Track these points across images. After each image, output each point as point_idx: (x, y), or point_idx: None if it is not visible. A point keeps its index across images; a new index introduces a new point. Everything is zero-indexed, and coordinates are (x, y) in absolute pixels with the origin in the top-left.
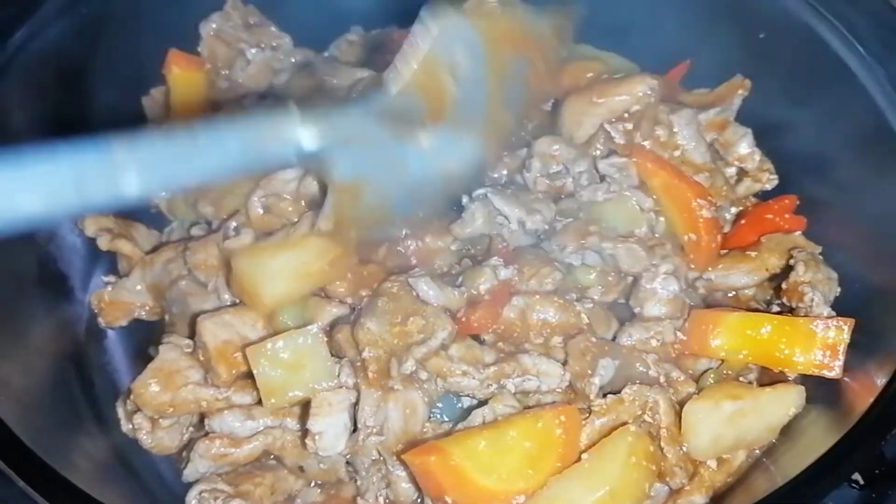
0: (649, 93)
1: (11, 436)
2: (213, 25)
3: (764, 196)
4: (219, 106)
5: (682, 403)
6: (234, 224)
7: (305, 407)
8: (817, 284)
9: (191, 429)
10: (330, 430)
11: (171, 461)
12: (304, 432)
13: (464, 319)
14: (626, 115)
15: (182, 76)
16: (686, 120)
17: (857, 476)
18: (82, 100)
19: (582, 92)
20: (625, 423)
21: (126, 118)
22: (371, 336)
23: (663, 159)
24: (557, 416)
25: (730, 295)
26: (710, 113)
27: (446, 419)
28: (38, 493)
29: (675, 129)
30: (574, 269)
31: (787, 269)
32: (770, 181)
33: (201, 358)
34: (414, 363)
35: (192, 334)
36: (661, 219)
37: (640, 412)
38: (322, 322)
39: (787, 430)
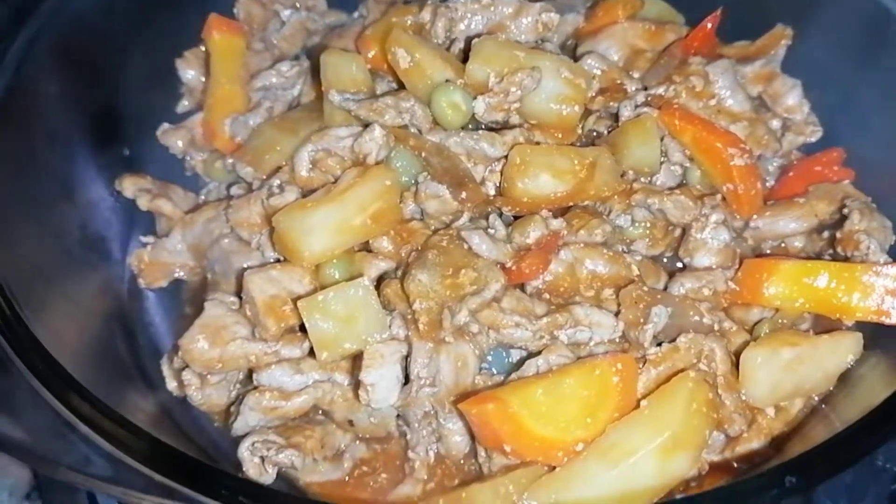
0: None
1: (72, 381)
2: None
3: (807, 151)
4: (257, 70)
5: (736, 353)
6: (277, 181)
7: (354, 361)
8: (872, 232)
9: (238, 385)
10: (382, 382)
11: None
12: (356, 384)
13: (513, 268)
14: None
15: (222, 41)
16: (722, 69)
17: None
18: (117, 63)
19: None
20: (681, 371)
21: (160, 81)
22: (422, 288)
23: (691, 114)
24: (614, 363)
25: (780, 246)
26: (756, 65)
27: (496, 372)
28: (101, 436)
29: (711, 79)
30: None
31: (839, 221)
32: (814, 133)
33: (248, 313)
34: (467, 314)
35: (238, 291)
36: (697, 172)
37: (695, 360)
38: (370, 275)
39: (845, 378)
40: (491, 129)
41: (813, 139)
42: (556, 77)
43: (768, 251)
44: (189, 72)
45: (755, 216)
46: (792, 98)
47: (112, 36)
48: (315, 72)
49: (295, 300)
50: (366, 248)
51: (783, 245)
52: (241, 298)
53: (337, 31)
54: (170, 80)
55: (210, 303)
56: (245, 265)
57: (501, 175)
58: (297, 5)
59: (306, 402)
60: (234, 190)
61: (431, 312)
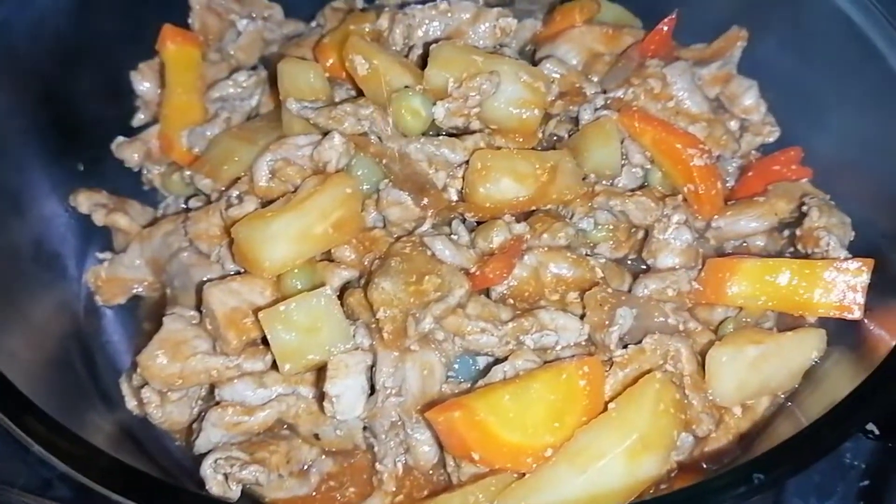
0: None
1: (26, 401)
2: None
3: (765, 151)
4: (213, 81)
5: (701, 353)
6: (236, 192)
7: (319, 374)
8: (832, 229)
9: (199, 402)
10: (348, 393)
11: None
12: (321, 397)
13: (477, 273)
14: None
15: (177, 52)
16: (679, 71)
17: (871, 427)
18: (70, 75)
19: None
20: (648, 372)
21: (115, 94)
22: (386, 296)
23: (650, 116)
24: (580, 367)
25: (742, 245)
26: (713, 67)
27: (463, 380)
28: (56, 456)
29: (669, 81)
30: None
31: (798, 218)
32: (772, 133)
33: (209, 326)
34: (432, 321)
35: (198, 305)
36: (658, 174)
37: (661, 361)
38: (332, 285)
39: (810, 375)
40: (451, 135)
41: (771, 139)
42: (515, 81)
43: (730, 251)
44: (144, 84)
45: (716, 216)
46: (749, 98)
47: (65, 48)
48: (273, 81)
49: (256, 312)
50: (328, 257)
51: (745, 244)
52: (201, 312)
53: (294, 41)
54: (124, 92)
55: (169, 317)
56: (205, 278)
57: (463, 180)
58: (254, 15)
59: (270, 416)
60: (193, 202)
61: (396, 320)
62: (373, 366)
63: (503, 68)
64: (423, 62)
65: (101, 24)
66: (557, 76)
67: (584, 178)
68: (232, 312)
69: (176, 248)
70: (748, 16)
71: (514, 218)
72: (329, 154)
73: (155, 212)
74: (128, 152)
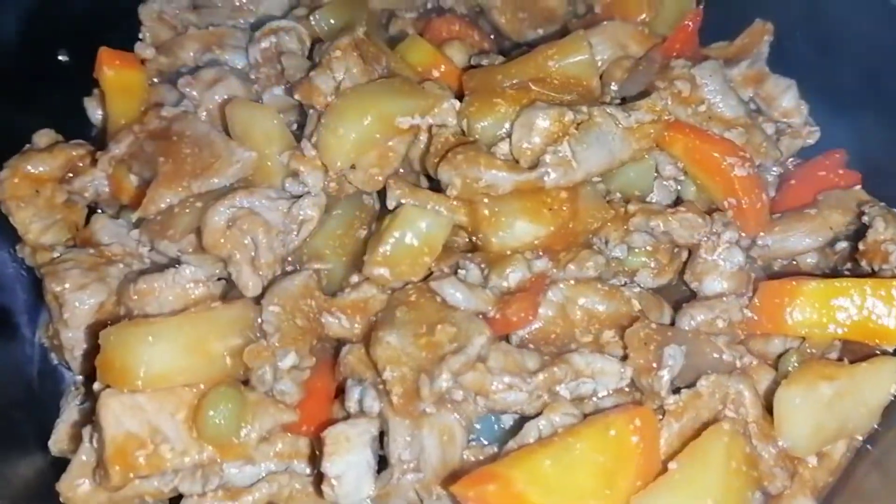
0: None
1: None
2: (155, 7)
3: (803, 155)
4: (160, 105)
5: (762, 393)
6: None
7: (315, 445)
8: None
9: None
10: (350, 472)
11: None
12: (318, 478)
13: (497, 317)
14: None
15: (115, 78)
16: (709, 71)
17: None
18: (23, 104)
19: None
20: (708, 423)
21: (69, 123)
22: (393, 352)
23: (680, 123)
24: (630, 420)
25: (792, 264)
26: (742, 66)
27: (487, 442)
28: None
29: (698, 83)
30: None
31: (856, 231)
32: (812, 135)
33: (93, 444)
34: (449, 377)
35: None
36: (692, 187)
37: (720, 406)
38: (262, 429)
39: (890, 412)
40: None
41: (811, 141)
42: None
43: (777, 271)
44: (99, 111)
45: (762, 233)
46: (788, 100)
47: (19, 73)
48: None
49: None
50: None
51: (794, 263)
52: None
53: None
54: (82, 121)
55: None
56: None
57: (469, 230)
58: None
59: (259, 500)
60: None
61: (406, 381)
62: (381, 434)
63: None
64: None
65: (56, 45)
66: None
67: (608, 200)
68: (125, 439)
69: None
70: (769, 7)
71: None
72: (308, 212)
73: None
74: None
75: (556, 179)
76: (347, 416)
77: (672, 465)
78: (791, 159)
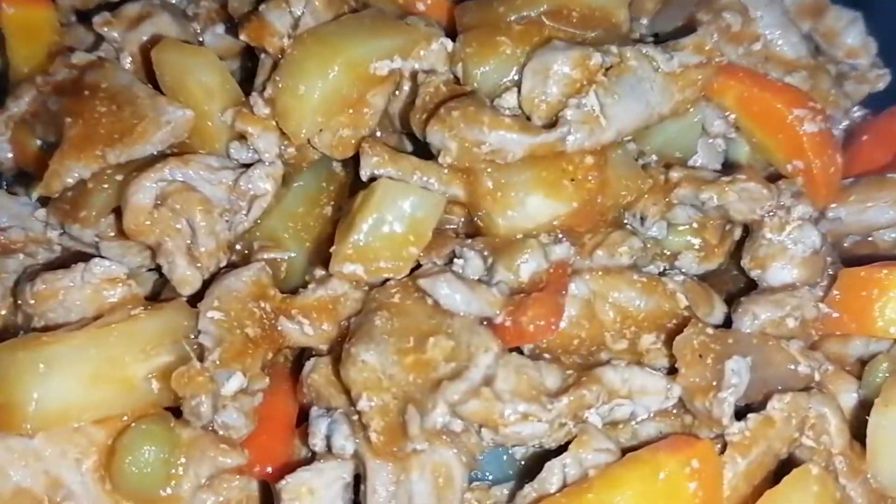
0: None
1: None
2: None
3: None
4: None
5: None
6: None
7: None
8: None
9: None
10: None
11: None
12: None
13: (507, 324)
14: None
15: (18, 16)
16: (765, 0)
17: None
18: None
19: None
20: (779, 457)
21: None
22: (370, 374)
23: (734, 66)
24: (686, 460)
25: (867, 241)
26: None
27: (493, 480)
28: None
29: (751, 15)
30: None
31: None
32: (881, 79)
33: None
34: (446, 411)
35: None
36: (746, 147)
37: (796, 434)
38: (199, 476)
39: None
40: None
41: (880, 86)
42: None
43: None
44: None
45: (834, 203)
46: (852, 36)
47: None
48: None
49: None
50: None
51: (870, 239)
52: None
53: None
54: None
55: None
56: None
57: (468, 207)
58: None
59: None
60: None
61: (388, 412)
62: (356, 477)
63: None
64: None
65: None
66: None
67: (643, 165)
68: (14, 497)
69: None
70: None
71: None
72: (260, 185)
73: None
74: None
75: (580, 141)
76: (312, 455)
77: None
78: (855, 109)
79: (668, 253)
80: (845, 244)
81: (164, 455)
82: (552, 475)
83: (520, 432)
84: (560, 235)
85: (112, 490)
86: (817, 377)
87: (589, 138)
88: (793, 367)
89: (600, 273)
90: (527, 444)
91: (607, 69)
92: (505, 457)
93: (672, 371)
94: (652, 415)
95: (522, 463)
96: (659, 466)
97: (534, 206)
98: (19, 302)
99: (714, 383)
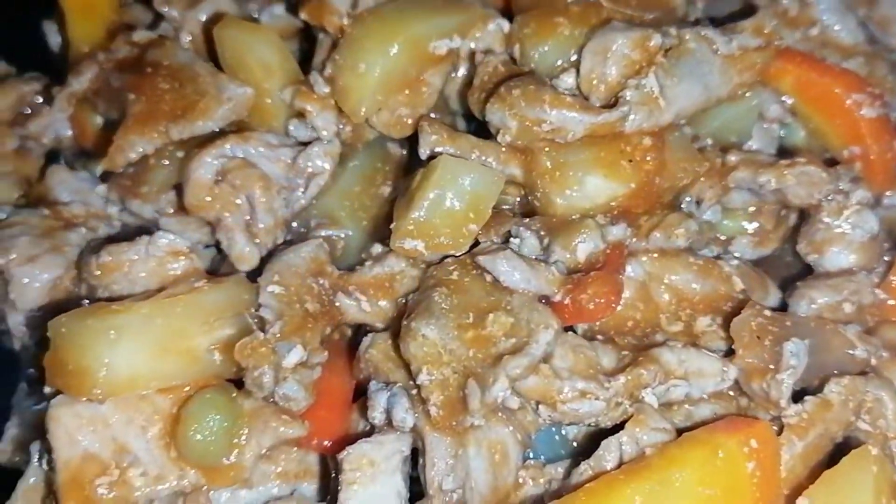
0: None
1: None
2: None
3: None
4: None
5: None
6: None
7: (325, 467)
8: None
9: None
10: None
11: None
12: None
13: (567, 302)
14: None
15: None
16: None
17: None
18: None
19: None
20: (836, 440)
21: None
22: (431, 349)
23: (790, 50)
24: (745, 440)
25: None
26: None
27: (548, 460)
28: None
29: (809, 0)
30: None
31: None
32: None
33: (44, 467)
34: (506, 385)
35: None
36: (802, 132)
37: (853, 418)
38: (260, 445)
39: None
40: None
41: None
42: None
43: None
44: (60, 37)
45: (890, 190)
46: None
47: None
48: None
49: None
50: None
51: None
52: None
53: None
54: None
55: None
56: None
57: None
58: None
59: None
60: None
61: (448, 387)
62: (413, 452)
63: None
64: None
65: None
66: None
67: (699, 148)
68: (83, 462)
69: None
70: None
71: (608, 216)
72: (318, 163)
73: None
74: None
75: (639, 121)
76: (371, 429)
77: (802, 502)
78: None
79: (723, 238)
80: None
81: (227, 424)
82: (609, 453)
83: (577, 409)
84: (617, 217)
85: (177, 457)
86: (874, 362)
87: (648, 119)
88: (850, 351)
89: (656, 255)
90: (583, 421)
91: (666, 51)
92: (557, 437)
93: (728, 354)
94: (707, 396)
95: (575, 444)
96: (718, 446)
97: (592, 186)
98: (84, 274)
99: (772, 365)
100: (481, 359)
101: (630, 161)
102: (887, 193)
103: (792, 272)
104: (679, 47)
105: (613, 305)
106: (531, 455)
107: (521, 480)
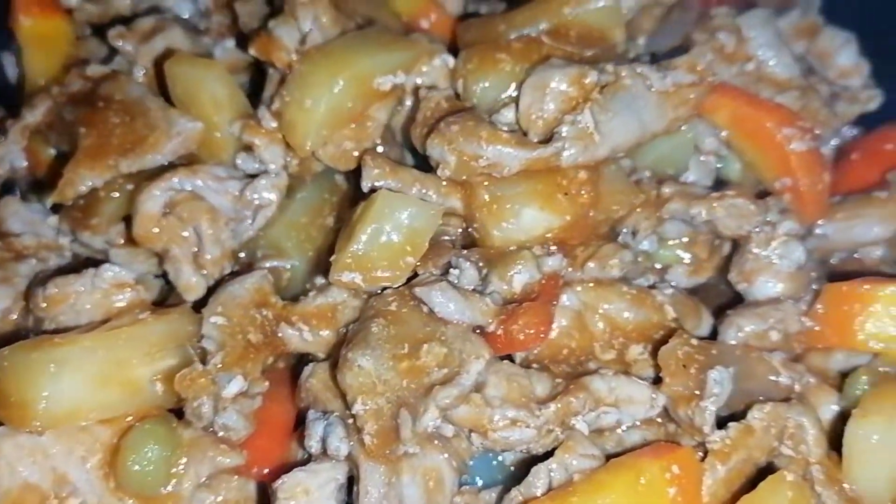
0: None
1: None
2: None
3: (863, 123)
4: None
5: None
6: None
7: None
8: None
9: None
10: None
11: None
12: None
13: (499, 333)
14: None
15: (34, 28)
16: (759, 20)
17: None
18: None
19: None
20: (759, 465)
21: None
22: (366, 379)
23: (726, 84)
24: (667, 466)
25: (853, 258)
26: (792, 16)
27: (483, 485)
28: None
29: (745, 35)
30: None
31: None
32: (872, 100)
33: None
34: (437, 415)
35: None
36: (737, 164)
37: (776, 444)
38: (199, 475)
39: None
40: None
41: (871, 107)
42: None
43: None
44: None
45: (821, 220)
46: (845, 57)
47: None
48: None
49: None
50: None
51: (857, 256)
52: None
53: None
54: None
55: None
56: None
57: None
58: None
59: None
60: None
61: (382, 416)
62: (350, 479)
63: None
64: None
65: None
66: None
67: (636, 181)
68: (22, 493)
69: None
70: None
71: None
72: (265, 195)
73: None
74: None
75: (575, 156)
76: (308, 458)
77: None
78: (846, 129)
79: (659, 266)
80: (832, 261)
81: (166, 454)
82: (538, 479)
83: (508, 437)
84: (552, 248)
85: (116, 488)
86: (798, 388)
87: (583, 154)
88: (774, 378)
89: (591, 285)
90: (515, 448)
91: (603, 87)
92: (495, 462)
93: (658, 381)
94: (638, 423)
95: (512, 468)
96: (640, 472)
97: (528, 218)
98: (31, 305)
99: (697, 392)
100: (414, 389)
101: (566, 194)
102: (818, 224)
103: (726, 300)
104: (615, 83)
105: (543, 336)
106: (469, 480)
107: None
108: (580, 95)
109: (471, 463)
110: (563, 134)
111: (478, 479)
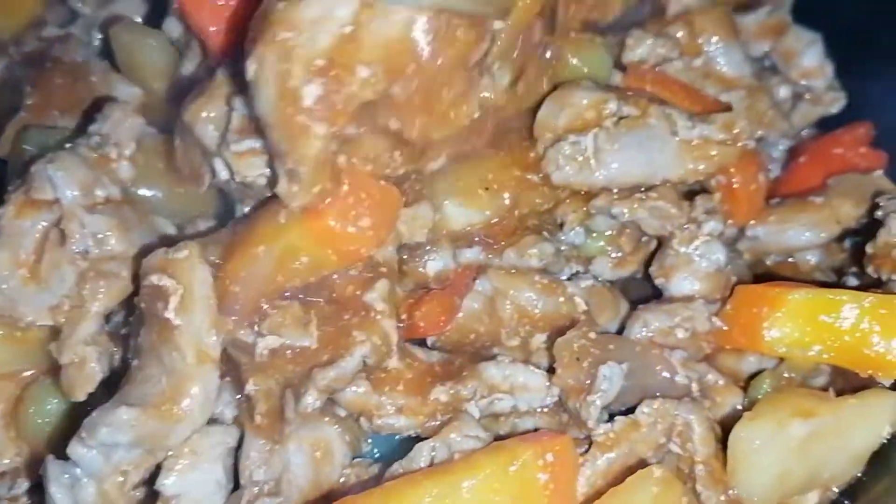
0: None
1: None
2: None
3: (825, 125)
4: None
5: (724, 423)
6: None
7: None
8: None
9: None
10: (193, 491)
11: None
12: (152, 496)
13: (403, 317)
14: None
15: None
16: (714, 18)
17: None
18: None
19: None
20: (643, 459)
21: None
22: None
23: (666, 77)
24: (541, 453)
25: (787, 262)
26: (761, 13)
27: (377, 457)
28: None
29: (697, 30)
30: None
31: (868, 226)
32: (834, 102)
33: None
34: (316, 397)
35: None
36: None
37: (663, 440)
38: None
39: (879, 459)
40: None
41: (833, 110)
42: None
43: (769, 267)
44: None
45: (754, 222)
46: (810, 58)
47: None
48: None
49: None
50: None
51: (791, 260)
52: None
53: None
54: None
55: None
56: None
57: None
58: None
59: None
60: None
61: (271, 397)
62: (239, 447)
63: None
64: None
65: None
66: None
67: None
68: None
69: None
70: None
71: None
72: None
73: None
74: None
75: (567, 176)
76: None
77: None
78: (807, 131)
79: (584, 256)
80: (767, 262)
81: (65, 408)
82: (420, 456)
83: (393, 424)
84: (476, 239)
85: (16, 436)
86: (695, 388)
87: (577, 176)
88: (670, 376)
89: (504, 272)
90: (401, 433)
91: (621, 118)
92: (397, 436)
93: (554, 371)
94: (538, 410)
95: (407, 440)
96: (515, 456)
97: (451, 212)
98: None
99: (587, 384)
100: (299, 371)
101: (486, 189)
102: (750, 225)
103: (649, 295)
104: (636, 119)
105: (443, 325)
106: (367, 454)
107: (344, 477)
108: (594, 120)
109: (369, 440)
110: (560, 150)
111: (376, 452)
